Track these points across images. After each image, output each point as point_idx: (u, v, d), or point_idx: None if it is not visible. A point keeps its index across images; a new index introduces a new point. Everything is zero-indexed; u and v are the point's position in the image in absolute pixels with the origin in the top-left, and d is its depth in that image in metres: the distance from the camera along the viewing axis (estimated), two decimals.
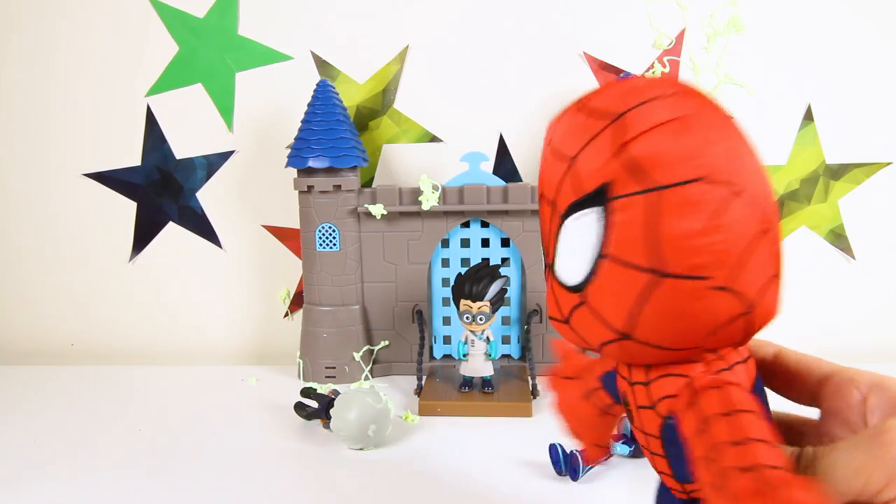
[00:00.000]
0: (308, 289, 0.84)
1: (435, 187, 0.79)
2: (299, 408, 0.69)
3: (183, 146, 0.92)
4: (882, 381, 0.25)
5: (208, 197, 0.93)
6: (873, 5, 0.84)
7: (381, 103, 0.89)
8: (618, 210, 0.23)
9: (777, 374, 0.28)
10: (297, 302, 0.94)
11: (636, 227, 0.22)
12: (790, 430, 0.29)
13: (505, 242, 0.83)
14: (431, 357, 0.86)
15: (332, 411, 0.63)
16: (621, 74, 0.84)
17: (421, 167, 0.89)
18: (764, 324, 0.24)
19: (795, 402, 0.28)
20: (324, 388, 0.73)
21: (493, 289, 0.72)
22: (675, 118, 0.22)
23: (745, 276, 0.22)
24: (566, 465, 0.56)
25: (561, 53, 0.87)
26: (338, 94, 0.80)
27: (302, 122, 0.79)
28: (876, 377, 0.25)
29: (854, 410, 0.25)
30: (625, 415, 0.29)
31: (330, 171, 0.79)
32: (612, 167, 0.23)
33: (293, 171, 0.82)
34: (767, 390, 0.28)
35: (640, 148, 0.22)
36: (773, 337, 0.30)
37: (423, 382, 0.77)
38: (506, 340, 0.86)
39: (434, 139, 0.89)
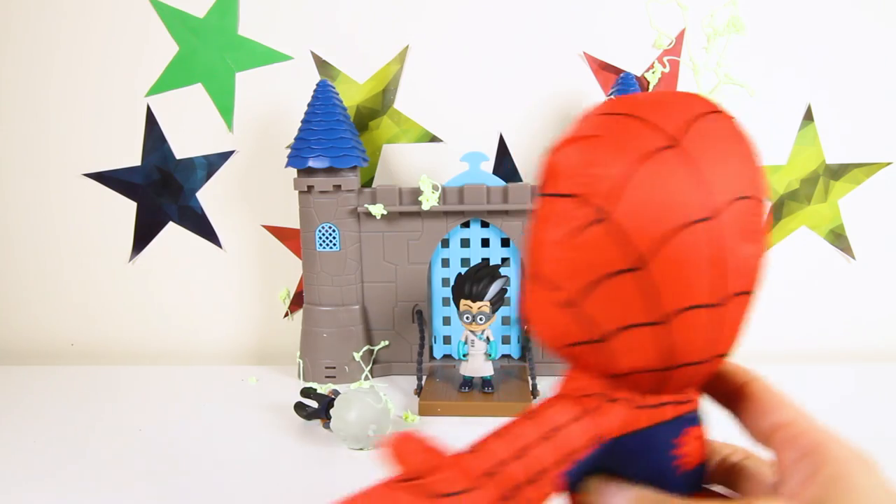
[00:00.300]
0: (308, 289, 0.84)
1: (435, 187, 0.79)
2: (299, 408, 0.69)
3: (183, 146, 0.92)
4: (818, 448, 0.22)
5: (208, 197, 0.93)
6: (873, 5, 0.84)
7: (381, 103, 0.89)
8: (537, 206, 0.25)
9: (740, 408, 0.25)
10: (297, 302, 0.94)
11: (533, 225, 0.24)
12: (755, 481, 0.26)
13: (505, 242, 0.83)
14: (431, 357, 0.86)
15: (332, 411, 0.63)
16: (621, 75, 0.84)
17: (421, 167, 0.89)
18: (629, 368, 0.23)
19: (755, 443, 0.25)
20: (324, 388, 0.73)
21: (493, 289, 0.72)
22: (585, 136, 0.23)
23: (595, 306, 0.22)
24: None
25: (561, 53, 0.87)
26: (338, 94, 0.80)
27: (302, 122, 0.79)
28: (818, 440, 0.22)
29: (785, 472, 0.23)
30: None
31: (330, 171, 0.79)
32: (542, 169, 0.25)
33: (293, 171, 0.82)
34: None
35: (551, 156, 0.24)
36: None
37: (423, 382, 0.77)
38: (506, 340, 0.86)
39: (434, 139, 0.89)
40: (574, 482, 0.24)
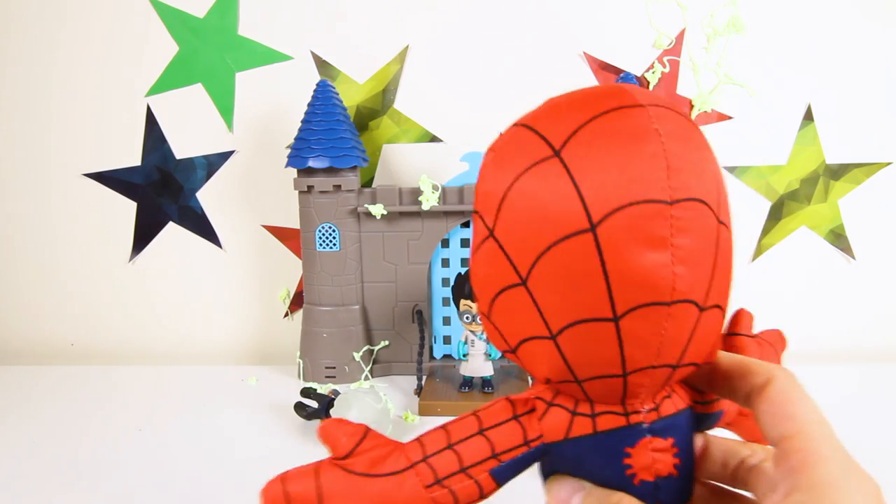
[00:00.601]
0: (308, 289, 0.84)
1: (435, 187, 0.79)
2: (299, 408, 0.69)
3: (183, 146, 0.92)
4: (803, 469, 0.21)
5: (208, 197, 0.93)
6: (873, 5, 0.84)
7: (381, 103, 0.89)
8: None
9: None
10: (297, 302, 0.94)
11: None
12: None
13: None
14: (431, 357, 0.86)
15: (332, 411, 0.63)
16: (621, 75, 0.84)
17: (421, 167, 0.89)
18: (542, 378, 0.23)
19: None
20: (324, 388, 0.73)
21: None
22: (490, 150, 0.24)
23: (498, 319, 0.23)
24: None
25: (561, 53, 0.87)
26: (338, 94, 0.80)
27: (302, 122, 0.79)
28: (807, 460, 0.21)
29: (774, 487, 0.22)
30: None
31: (330, 171, 0.79)
32: None
33: (293, 171, 0.82)
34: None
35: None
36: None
37: (423, 382, 0.77)
38: None
39: (434, 139, 0.89)
40: (505, 481, 0.25)
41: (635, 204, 0.20)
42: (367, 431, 0.25)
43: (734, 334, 0.30)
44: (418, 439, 0.25)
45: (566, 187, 0.20)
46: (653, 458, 0.23)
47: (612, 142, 0.20)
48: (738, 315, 0.31)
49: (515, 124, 0.23)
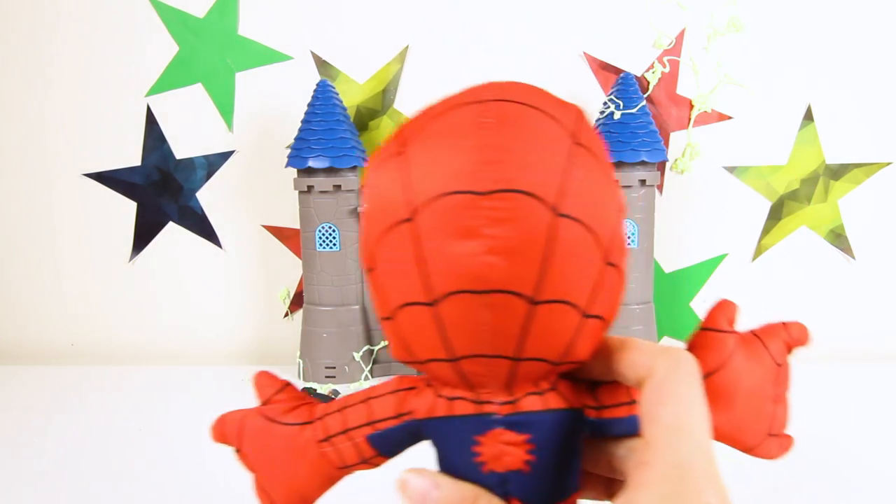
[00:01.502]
0: (308, 289, 0.84)
1: None
2: None
3: (183, 146, 0.92)
4: (630, 485, 0.21)
5: (208, 197, 0.93)
6: (873, 5, 0.84)
7: (381, 103, 0.89)
8: None
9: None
10: (297, 302, 0.94)
11: None
12: None
13: None
14: None
15: None
16: (621, 75, 0.84)
17: None
18: (394, 358, 0.25)
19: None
20: (324, 388, 0.73)
21: None
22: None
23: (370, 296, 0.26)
24: None
25: (561, 53, 0.87)
26: (338, 94, 0.80)
27: (302, 122, 0.79)
28: (634, 481, 0.21)
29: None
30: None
31: (330, 171, 0.79)
32: None
33: (293, 171, 0.82)
34: None
35: None
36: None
37: None
38: None
39: None
40: (387, 451, 0.27)
41: (448, 195, 0.21)
42: (286, 385, 0.30)
43: (707, 329, 0.27)
44: (331, 402, 0.28)
45: (401, 180, 0.22)
46: (501, 450, 0.24)
47: (446, 136, 0.22)
48: (714, 307, 0.28)
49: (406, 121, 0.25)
